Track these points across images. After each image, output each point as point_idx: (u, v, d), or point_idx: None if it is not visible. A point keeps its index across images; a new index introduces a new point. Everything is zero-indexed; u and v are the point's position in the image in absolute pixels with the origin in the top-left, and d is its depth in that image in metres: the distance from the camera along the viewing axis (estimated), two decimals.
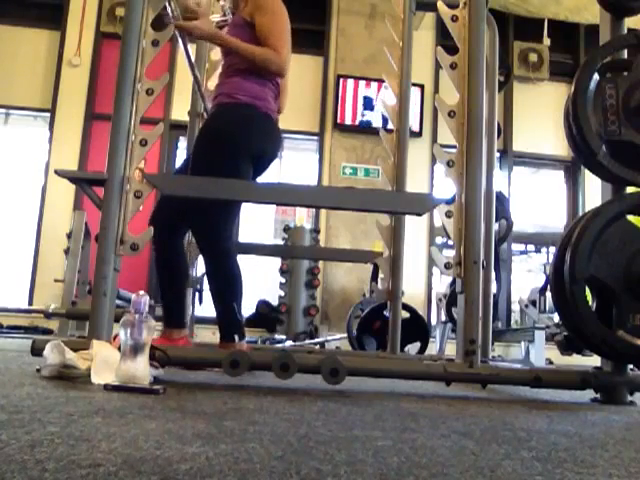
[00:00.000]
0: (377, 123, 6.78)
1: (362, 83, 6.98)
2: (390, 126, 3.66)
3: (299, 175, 7.28)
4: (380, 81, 3.73)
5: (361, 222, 6.64)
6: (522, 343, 5.29)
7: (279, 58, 2.42)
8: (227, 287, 2.46)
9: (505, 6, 7.00)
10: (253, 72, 2.48)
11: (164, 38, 2.04)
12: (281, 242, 6.34)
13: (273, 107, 2.56)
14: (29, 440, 0.81)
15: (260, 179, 2.61)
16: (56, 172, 2.06)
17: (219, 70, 2.72)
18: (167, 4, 2.26)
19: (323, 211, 6.72)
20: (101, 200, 1.93)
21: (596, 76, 2.04)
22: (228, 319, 2.45)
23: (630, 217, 2.00)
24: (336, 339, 5.62)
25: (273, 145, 2.60)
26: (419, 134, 6.95)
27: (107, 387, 1.45)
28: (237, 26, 2.53)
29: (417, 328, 4.03)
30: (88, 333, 1.89)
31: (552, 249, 6.58)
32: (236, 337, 2.40)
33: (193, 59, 2.87)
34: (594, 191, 4.63)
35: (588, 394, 2.06)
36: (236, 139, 2.43)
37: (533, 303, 5.31)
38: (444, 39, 6.09)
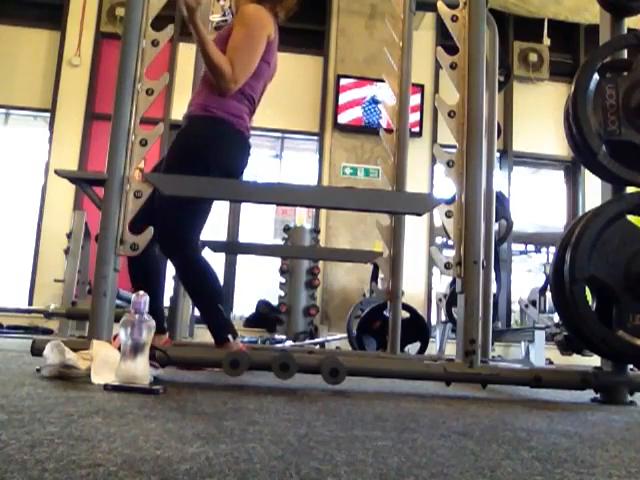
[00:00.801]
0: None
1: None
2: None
3: (299, 175, 7.28)
4: (380, 81, 3.74)
5: (361, 222, 6.64)
6: (522, 343, 5.29)
7: (230, 75, 2.33)
8: (206, 290, 2.40)
9: (505, 6, 7.00)
10: None
11: (164, 38, 2.04)
12: (281, 242, 6.34)
13: (247, 125, 2.49)
14: (29, 440, 0.81)
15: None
16: (56, 172, 2.06)
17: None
18: None
19: (323, 211, 6.72)
20: (101, 200, 1.94)
21: (596, 76, 2.04)
22: (217, 321, 2.40)
23: (630, 217, 2.00)
24: (336, 339, 5.62)
25: (242, 164, 2.53)
26: (419, 134, 6.95)
27: (107, 387, 1.45)
28: (222, 40, 2.44)
29: (417, 328, 4.03)
30: (88, 333, 1.89)
31: (552, 249, 6.58)
32: (230, 337, 2.38)
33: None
34: (594, 191, 4.63)
35: (588, 394, 2.06)
36: (208, 156, 2.36)
37: (533, 303, 5.31)
38: (444, 39, 6.09)
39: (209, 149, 2.37)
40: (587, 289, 1.95)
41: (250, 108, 2.53)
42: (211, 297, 2.41)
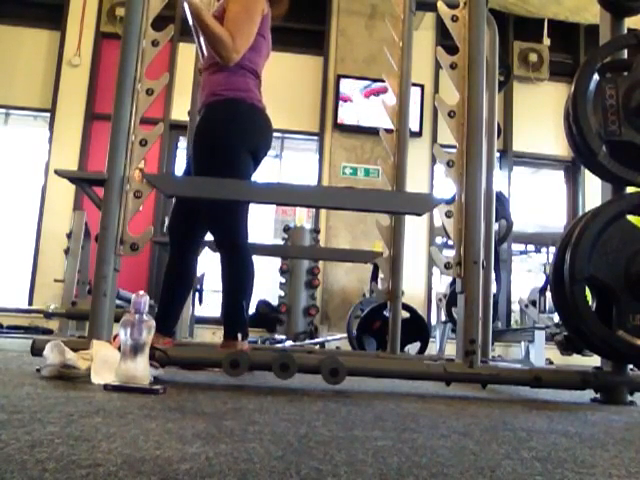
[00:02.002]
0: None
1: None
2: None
3: (299, 175, 7.28)
4: (380, 81, 3.74)
5: (361, 222, 6.64)
6: (522, 343, 5.29)
7: (231, 45, 2.34)
8: (240, 285, 2.46)
9: (505, 6, 7.00)
10: (234, 66, 2.43)
11: (164, 38, 2.05)
12: (281, 242, 6.34)
13: (258, 97, 2.52)
14: (29, 440, 0.81)
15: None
16: (56, 172, 2.06)
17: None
18: None
19: (323, 211, 6.72)
20: (101, 200, 1.94)
21: (596, 76, 2.04)
22: (235, 316, 2.45)
23: (630, 217, 1.99)
24: (336, 339, 5.62)
25: (264, 136, 2.56)
26: (419, 134, 6.95)
27: (107, 387, 1.45)
28: (217, 19, 2.46)
29: (417, 328, 4.03)
30: (88, 333, 1.89)
31: (552, 249, 6.58)
32: (239, 336, 2.40)
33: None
34: (594, 191, 4.63)
35: (588, 394, 2.06)
36: (230, 139, 2.41)
37: (533, 303, 5.31)
38: (444, 39, 6.09)
39: (228, 131, 2.41)
40: (587, 289, 1.95)
41: (256, 82, 2.55)
42: (241, 293, 2.45)
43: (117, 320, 1.60)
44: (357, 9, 7.14)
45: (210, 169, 2.35)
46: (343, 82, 6.99)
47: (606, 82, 2.03)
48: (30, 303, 6.36)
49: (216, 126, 2.44)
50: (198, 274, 3.56)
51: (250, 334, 6.73)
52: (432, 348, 5.07)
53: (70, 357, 1.63)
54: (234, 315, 2.46)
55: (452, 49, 2.16)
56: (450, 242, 2.12)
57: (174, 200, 2.67)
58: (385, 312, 3.70)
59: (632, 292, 1.88)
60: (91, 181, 2.08)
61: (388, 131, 3.60)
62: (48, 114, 6.79)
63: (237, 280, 2.48)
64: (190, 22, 2.59)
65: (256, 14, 2.45)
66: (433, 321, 6.28)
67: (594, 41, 2.27)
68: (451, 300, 4.68)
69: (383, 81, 3.64)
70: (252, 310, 6.54)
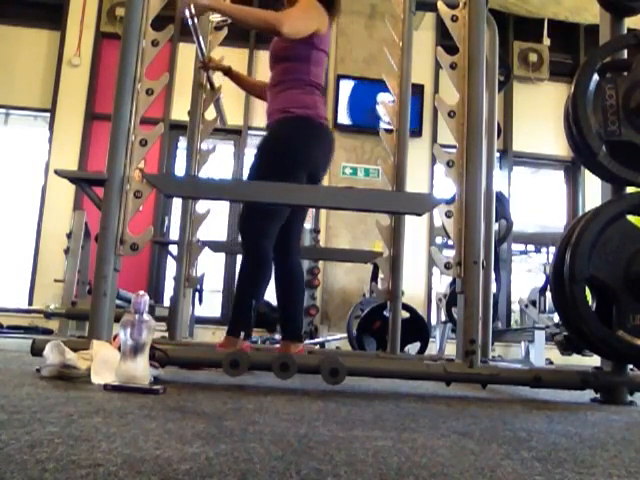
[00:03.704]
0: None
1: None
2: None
3: None
4: (380, 81, 3.74)
5: (361, 222, 6.64)
6: (522, 343, 5.29)
7: (278, 20, 2.38)
8: (248, 284, 2.49)
9: (505, 6, 7.00)
10: (301, 82, 2.51)
11: (164, 38, 2.05)
12: None
13: (324, 114, 2.59)
14: (29, 440, 0.81)
15: None
16: (56, 172, 2.06)
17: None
18: None
19: (323, 211, 6.72)
20: (101, 200, 1.93)
21: (596, 76, 2.04)
22: (241, 314, 2.48)
23: (630, 217, 1.99)
24: (336, 339, 5.62)
25: (327, 156, 2.62)
26: (419, 134, 6.94)
27: (107, 387, 1.45)
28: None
29: (417, 328, 4.03)
30: (88, 333, 1.89)
31: (552, 249, 6.57)
32: (242, 334, 2.42)
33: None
34: (594, 191, 4.62)
35: (588, 394, 2.06)
36: (295, 156, 2.46)
37: (533, 303, 5.31)
38: (444, 39, 6.09)
39: (296, 149, 2.47)
40: (587, 289, 1.95)
41: (322, 98, 2.61)
42: (253, 293, 2.50)
43: (117, 320, 1.60)
44: (357, 9, 7.13)
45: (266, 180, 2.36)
46: (343, 82, 6.99)
47: (606, 82, 2.03)
48: (30, 303, 6.36)
49: (284, 142, 2.49)
50: (198, 274, 3.55)
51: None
52: (432, 348, 5.07)
53: (70, 357, 1.63)
54: (240, 313, 2.49)
55: (452, 49, 2.16)
56: (450, 242, 2.12)
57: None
58: (385, 312, 3.70)
59: (632, 292, 1.88)
60: (91, 181, 2.08)
61: (388, 131, 3.60)
62: (48, 114, 6.79)
63: (247, 279, 2.50)
64: (190, 23, 2.59)
65: (311, 11, 2.50)
66: (433, 321, 6.28)
67: (594, 41, 2.27)
68: (451, 300, 4.68)
69: (383, 81, 3.64)
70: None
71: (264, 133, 2.67)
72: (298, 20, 2.46)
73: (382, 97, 6.53)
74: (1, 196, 6.86)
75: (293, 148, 2.46)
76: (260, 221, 2.47)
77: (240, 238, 2.55)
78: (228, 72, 3.03)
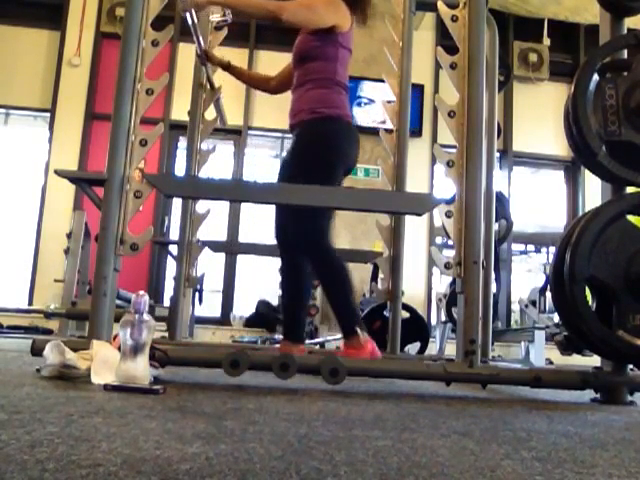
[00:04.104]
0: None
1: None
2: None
3: None
4: (380, 81, 3.74)
5: (361, 222, 6.63)
6: (522, 343, 5.28)
7: (277, 8, 2.39)
8: (339, 283, 2.49)
9: (505, 6, 6.99)
10: (327, 81, 2.50)
11: (164, 38, 2.05)
12: None
13: (350, 112, 2.61)
14: (29, 440, 0.81)
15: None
16: (56, 172, 2.06)
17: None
18: None
19: None
20: (101, 200, 1.93)
21: (596, 76, 2.04)
22: (347, 313, 2.49)
23: (630, 217, 1.99)
24: (336, 339, 5.61)
25: (357, 153, 2.64)
26: (419, 134, 6.94)
27: (107, 387, 1.45)
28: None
29: (417, 328, 4.03)
30: (88, 333, 1.89)
31: (552, 249, 6.57)
32: (357, 329, 2.44)
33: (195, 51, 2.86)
34: (594, 191, 4.61)
35: (588, 394, 2.06)
36: (330, 157, 2.46)
37: (533, 303, 5.31)
38: (444, 39, 6.09)
39: (330, 149, 2.46)
40: (587, 289, 1.95)
41: (347, 97, 2.61)
42: (345, 289, 2.50)
43: (117, 320, 1.60)
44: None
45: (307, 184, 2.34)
46: None
47: (606, 82, 2.03)
48: (30, 303, 6.36)
49: (318, 144, 2.48)
50: (198, 274, 3.55)
51: (250, 334, 6.73)
52: (432, 348, 5.07)
53: (70, 357, 1.63)
54: (345, 312, 2.50)
55: (452, 49, 2.16)
56: (450, 242, 2.12)
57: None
58: (385, 312, 3.70)
59: (632, 292, 1.88)
60: (91, 181, 2.08)
61: (388, 131, 3.60)
62: (48, 114, 6.79)
63: (332, 280, 2.51)
64: (190, 22, 2.59)
65: (321, 8, 2.49)
66: (433, 321, 6.28)
67: (594, 41, 2.27)
68: (451, 300, 4.68)
69: (383, 81, 3.64)
70: (252, 310, 6.55)
71: (290, 135, 2.64)
72: (301, 10, 2.45)
73: (382, 97, 6.53)
74: (1, 196, 6.86)
75: (331, 147, 2.46)
76: (310, 222, 2.46)
77: (296, 242, 2.50)
78: (228, 67, 3.03)
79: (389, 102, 3.65)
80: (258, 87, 3.08)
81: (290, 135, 2.67)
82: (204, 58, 3.07)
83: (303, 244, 2.49)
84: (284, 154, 2.64)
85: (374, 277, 5.22)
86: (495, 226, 3.99)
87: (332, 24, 2.48)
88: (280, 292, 6.29)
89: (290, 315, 2.63)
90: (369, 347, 2.47)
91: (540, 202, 7.64)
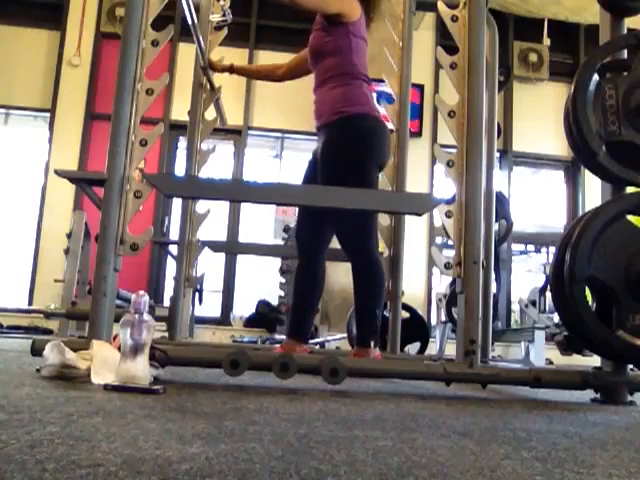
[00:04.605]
0: None
1: None
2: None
3: (299, 175, 7.27)
4: (380, 81, 3.74)
5: None
6: (522, 343, 5.28)
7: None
8: (373, 292, 2.50)
9: (505, 6, 6.99)
10: (347, 77, 2.49)
11: (164, 38, 2.04)
12: (281, 242, 6.33)
13: (375, 106, 2.57)
14: (29, 440, 0.81)
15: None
16: (56, 172, 2.06)
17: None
18: None
19: None
20: (101, 200, 1.93)
21: (596, 76, 2.03)
22: (368, 324, 2.49)
23: (630, 217, 1.99)
24: (336, 339, 5.62)
25: (389, 147, 2.63)
26: (419, 134, 6.94)
27: (107, 387, 1.45)
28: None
29: (417, 328, 4.03)
30: (88, 333, 1.89)
31: (552, 249, 6.57)
32: (372, 343, 2.45)
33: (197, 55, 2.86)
34: (594, 191, 4.61)
35: (588, 394, 2.06)
36: (363, 156, 2.44)
37: (533, 303, 5.31)
38: (444, 39, 6.09)
39: (361, 148, 2.45)
40: (587, 289, 1.95)
41: (369, 89, 2.59)
42: (374, 300, 2.50)
43: (117, 320, 1.60)
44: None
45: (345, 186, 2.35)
46: None
47: (606, 82, 2.03)
48: (30, 303, 6.36)
49: (349, 144, 2.46)
50: (198, 274, 3.55)
51: (250, 334, 6.73)
52: (432, 348, 5.07)
53: (70, 357, 1.63)
54: (367, 323, 2.49)
55: (452, 49, 2.16)
56: (450, 242, 2.12)
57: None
58: (385, 312, 3.70)
59: (632, 292, 1.88)
60: (91, 181, 2.08)
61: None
62: (48, 114, 6.79)
63: (370, 287, 2.51)
64: (191, 21, 2.59)
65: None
66: (433, 321, 6.28)
67: (594, 41, 2.27)
68: (451, 300, 4.68)
69: (383, 81, 3.64)
70: (252, 310, 6.55)
71: (316, 136, 2.63)
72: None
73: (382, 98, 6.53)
74: (1, 196, 6.86)
75: (359, 147, 2.44)
76: (364, 224, 2.47)
77: (346, 243, 2.53)
78: (232, 70, 3.03)
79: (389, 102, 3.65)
80: (266, 78, 3.10)
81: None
82: (209, 68, 3.08)
83: (354, 245, 2.50)
84: (317, 153, 2.61)
85: None
86: (495, 226, 3.99)
87: (337, 11, 2.46)
88: (281, 292, 6.32)
89: (299, 315, 2.63)
90: None
91: (540, 202, 7.64)
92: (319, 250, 2.62)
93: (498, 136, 4.22)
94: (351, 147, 2.45)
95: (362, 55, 2.57)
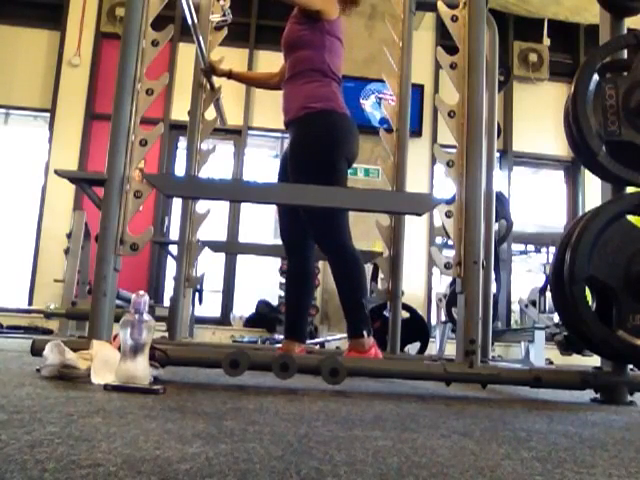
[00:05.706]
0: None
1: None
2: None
3: None
4: (380, 81, 3.74)
5: (361, 222, 6.61)
6: (522, 343, 5.29)
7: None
8: (354, 284, 2.50)
9: (505, 6, 6.99)
10: (317, 74, 2.49)
11: (164, 38, 2.04)
12: (281, 242, 6.32)
13: (343, 104, 2.56)
14: (29, 440, 0.81)
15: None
16: (56, 172, 2.06)
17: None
18: None
19: None
20: (101, 200, 1.93)
21: (596, 76, 2.04)
22: (357, 315, 2.50)
23: (630, 217, 1.99)
24: (336, 339, 5.62)
25: (356, 142, 2.61)
26: (419, 134, 6.94)
27: (107, 387, 1.45)
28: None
29: (417, 328, 4.03)
30: (88, 333, 1.89)
31: (552, 249, 6.57)
32: (365, 332, 2.45)
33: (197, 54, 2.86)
34: (594, 191, 4.60)
35: (588, 394, 2.06)
36: (332, 152, 2.45)
37: (533, 303, 5.31)
38: (444, 39, 6.09)
39: (330, 144, 2.45)
40: (587, 289, 1.95)
41: (339, 87, 2.59)
42: (357, 291, 2.50)
43: (117, 320, 1.60)
44: (357, 9, 7.11)
45: (315, 182, 2.33)
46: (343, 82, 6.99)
47: (606, 82, 2.03)
48: (30, 303, 6.36)
49: (316, 140, 2.47)
50: (198, 274, 3.55)
51: (250, 334, 6.73)
52: (432, 348, 5.07)
53: (70, 357, 1.63)
54: (356, 314, 2.50)
55: (452, 49, 2.16)
56: (450, 242, 2.12)
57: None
58: (385, 312, 3.70)
59: (632, 292, 1.88)
60: (91, 181, 2.08)
61: (388, 131, 3.60)
62: (48, 114, 6.79)
63: (350, 280, 2.51)
64: (191, 21, 2.59)
65: None
66: (433, 321, 6.28)
67: (594, 41, 2.27)
68: (451, 300, 4.68)
69: (383, 81, 3.64)
70: (252, 310, 6.55)
71: (285, 133, 2.64)
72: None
73: (383, 97, 6.54)
74: (1, 196, 6.86)
75: (328, 142, 2.44)
76: (336, 221, 2.47)
77: (320, 242, 2.55)
78: (230, 75, 3.03)
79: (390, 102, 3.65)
80: (262, 86, 3.09)
81: (288, 134, 2.66)
82: (209, 71, 3.08)
83: (327, 243, 2.50)
84: (282, 153, 2.63)
85: (374, 277, 5.21)
86: (495, 226, 3.99)
87: (319, 8, 2.47)
88: (281, 292, 6.32)
89: (295, 315, 2.64)
90: (372, 352, 2.47)
91: (540, 202, 7.64)
92: (304, 247, 2.63)
93: (498, 136, 4.22)
94: (318, 143, 2.46)
95: (336, 55, 2.57)
